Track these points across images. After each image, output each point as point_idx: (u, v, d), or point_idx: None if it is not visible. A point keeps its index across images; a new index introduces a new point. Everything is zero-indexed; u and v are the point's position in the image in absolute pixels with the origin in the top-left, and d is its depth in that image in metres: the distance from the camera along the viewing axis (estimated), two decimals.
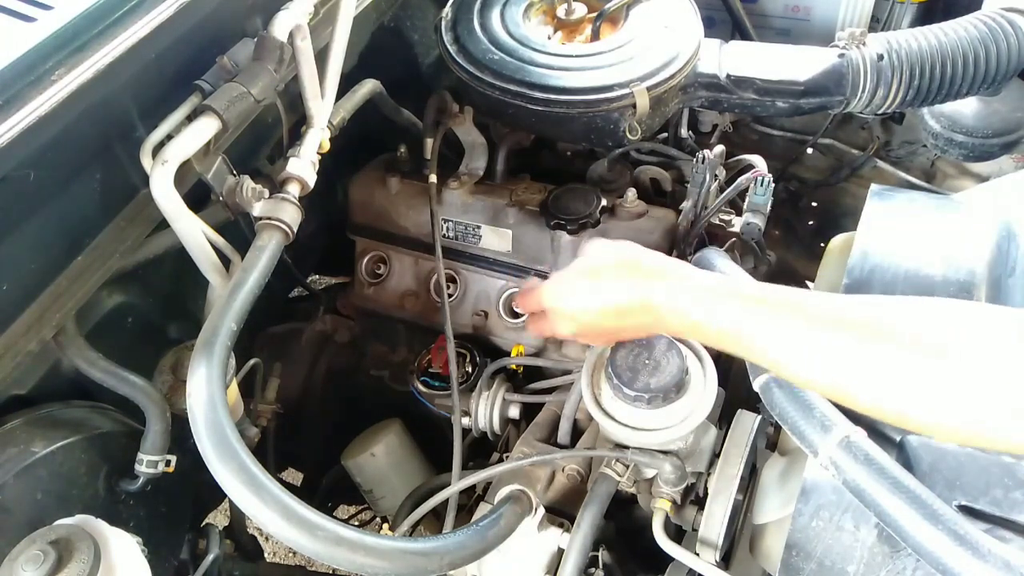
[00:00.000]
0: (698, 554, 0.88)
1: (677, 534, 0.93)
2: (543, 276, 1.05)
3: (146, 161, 0.82)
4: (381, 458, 1.28)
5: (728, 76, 1.20)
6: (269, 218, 0.89)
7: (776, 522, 0.87)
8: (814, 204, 1.63)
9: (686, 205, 1.17)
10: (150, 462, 0.92)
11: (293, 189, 0.93)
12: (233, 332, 0.78)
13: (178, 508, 1.06)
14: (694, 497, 0.93)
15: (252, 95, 0.85)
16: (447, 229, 1.27)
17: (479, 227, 1.25)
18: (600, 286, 0.77)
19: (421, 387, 1.22)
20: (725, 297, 0.70)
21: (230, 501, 0.74)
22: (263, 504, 0.68)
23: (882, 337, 0.62)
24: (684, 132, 1.43)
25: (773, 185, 1.13)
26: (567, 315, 0.80)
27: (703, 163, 1.14)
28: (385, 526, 1.32)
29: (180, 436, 0.91)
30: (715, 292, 0.71)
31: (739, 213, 1.17)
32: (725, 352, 0.73)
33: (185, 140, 0.81)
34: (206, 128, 0.83)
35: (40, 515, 0.80)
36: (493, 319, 1.27)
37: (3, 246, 0.75)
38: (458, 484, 0.96)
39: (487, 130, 1.30)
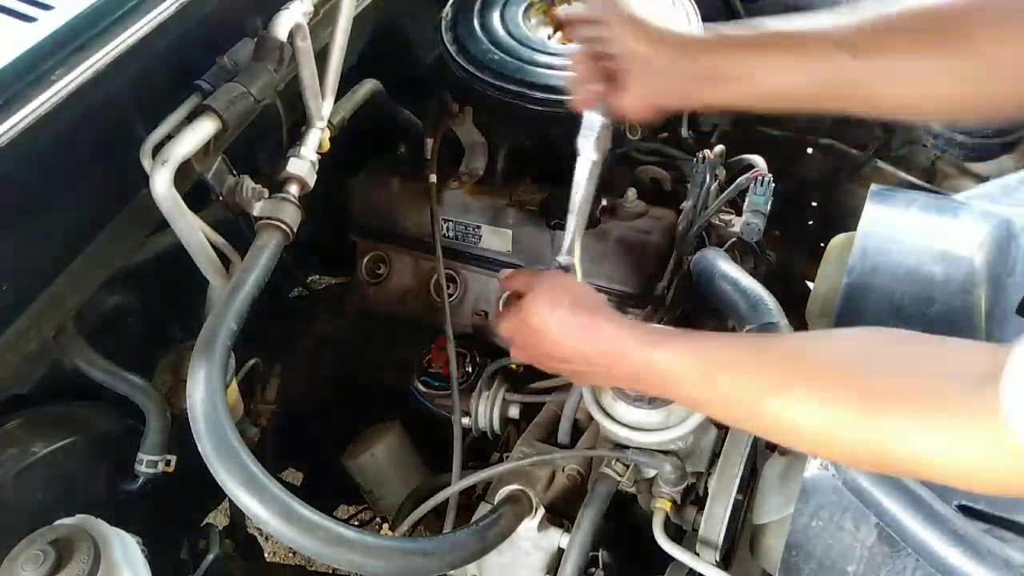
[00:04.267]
0: (698, 554, 0.88)
1: (677, 534, 0.93)
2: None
3: (146, 161, 0.82)
4: (381, 458, 1.28)
5: None
6: (269, 218, 0.89)
7: (776, 522, 0.87)
8: (814, 204, 1.63)
9: (686, 205, 1.17)
10: (150, 462, 0.92)
11: (293, 189, 0.93)
12: (233, 332, 0.78)
13: (178, 508, 1.06)
14: (694, 497, 0.93)
15: (252, 95, 0.85)
16: (447, 229, 1.27)
17: (479, 227, 1.25)
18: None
19: (421, 387, 1.22)
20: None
21: (230, 501, 0.74)
22: (263, 504, 0.68)
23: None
24: (684, 132, 1.43)
25: (773, 185, 1.13)
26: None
27: (703, 163, 1.14)
28: (385, 526, 1.32)
29: (180, 436, 0.91)
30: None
31: (739, 213, 1.17)
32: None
33: (185, 140, 0.81)
34: (206, 128, 0.82)
35: (40, 515, 0.80)
36: (493, 319, 1.27)
37: (3, 246, 0.75)
38: (458, 484, 0.96)
39: (487, 130, 1.30)
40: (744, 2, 1.53)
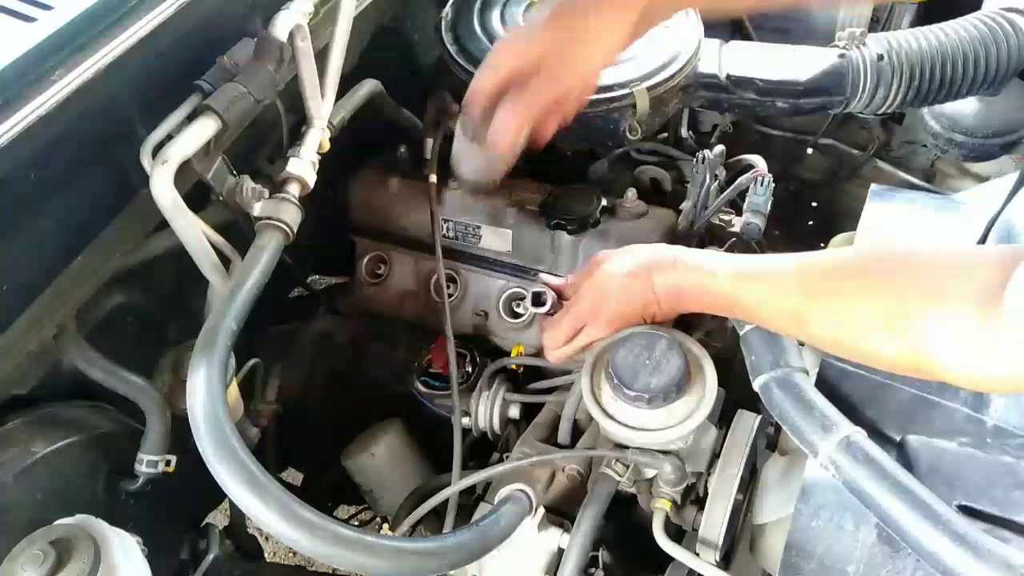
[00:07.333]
0: (698, 554, 0.88)
1: (677, 534, 0.93)
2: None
3: (146, 161, 0.82)
4: (381, 458, 1.28)
5: (728, 76, 1.20)
6: (269, 218, 0.90)
7: (776, 522, 0.87)
8: (814, 204, 1.63)
9: (686, 205, 1.17)
10: (150, 462, 0.92)
11: (293, 189, 0.93)
12: (233, 332, 0.78)
13: (178, 508, 1.06)
14: (694, 497, 0.93)
15: (252, 95, 0.85)
16: (447, 229, 1.27)
17: (479, 227, 1.25)
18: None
19: (421, 387, 1.22)
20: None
21: (230, 501, 0.74)
22: (263, 504, 0.68)
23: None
24: (684, 132, 1.43)
25: (773, 185, 1.13)
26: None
27: (703, 163, 1.14)
28: (385, 526, 1.32)
29: (180, 436, 0.91)
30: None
31: (739, 213, 1.17)
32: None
33: (185, 140, 0.81)
34: (206, 128, 0.82)
35: (40, 515, 0.80)
36: (493, 319, 1.27)
37: (3, 246, 0.75)
38: (458, 484, 0.96)
39: None
40: None
